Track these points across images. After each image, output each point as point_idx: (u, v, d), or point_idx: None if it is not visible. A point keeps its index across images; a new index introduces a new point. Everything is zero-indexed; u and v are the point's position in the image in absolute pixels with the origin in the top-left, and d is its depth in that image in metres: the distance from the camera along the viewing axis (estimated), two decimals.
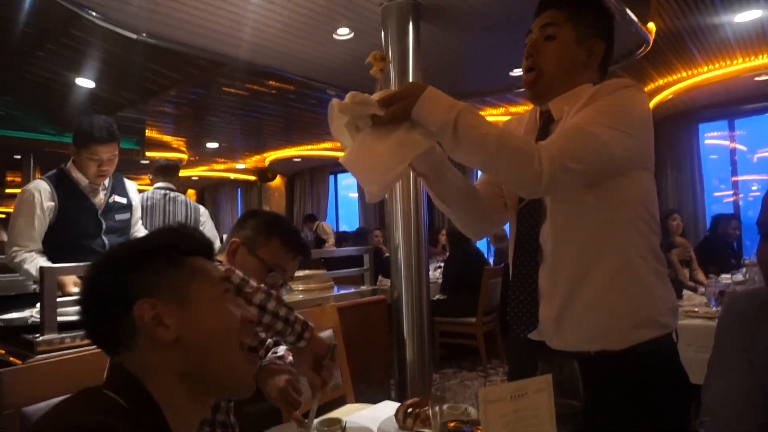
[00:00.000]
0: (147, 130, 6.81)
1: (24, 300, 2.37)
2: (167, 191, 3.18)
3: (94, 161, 2.30)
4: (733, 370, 0.89)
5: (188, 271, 0.76)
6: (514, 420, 0.76)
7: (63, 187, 2.32)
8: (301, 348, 1.22)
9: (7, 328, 1.93)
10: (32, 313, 2.00)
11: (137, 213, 2.63)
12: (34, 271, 2.16)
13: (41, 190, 2.27)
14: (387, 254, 3.42)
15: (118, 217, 2.47)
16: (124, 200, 2.51)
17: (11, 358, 1.76)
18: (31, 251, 2.25)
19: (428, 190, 1.21)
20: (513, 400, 0.76)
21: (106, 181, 2.44)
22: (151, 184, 3.30)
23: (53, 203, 2.28)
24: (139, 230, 2.64)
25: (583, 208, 1.09)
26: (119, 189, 2.51)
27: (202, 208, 3.31)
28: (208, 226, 3.27)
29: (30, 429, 0.97)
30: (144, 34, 3.45)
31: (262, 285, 1.20)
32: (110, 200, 2.44)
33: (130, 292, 0.72)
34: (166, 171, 3.35)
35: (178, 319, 0.72)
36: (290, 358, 1.36)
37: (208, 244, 0.83)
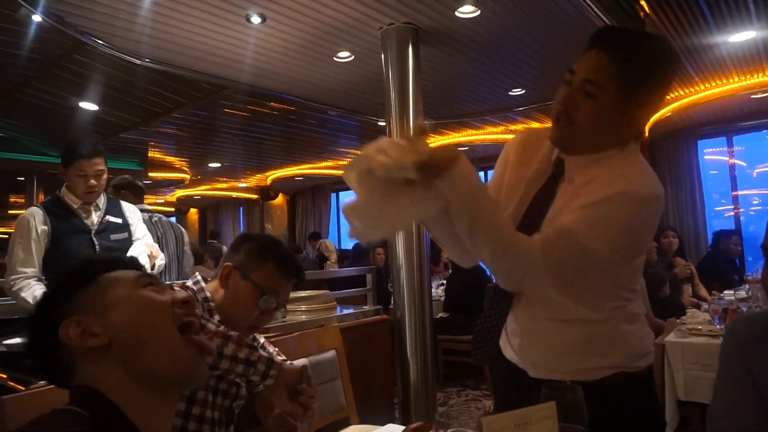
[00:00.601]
0: (150, 151, 6.87)
1: (26, 323, 2.36)
2: (150, 213, 3.22)
3: (80, 177, 2.34)
4: (738, 394, 0.90)
5: (104, 283, 0.79)
6: None
7: (55, 210, 2.37)
8: (270, 385, 1.20)
9: (10, 353, 1.93)
10: None
11: (139, 231, 2.61)
12: (30, 299, 2.17)
13: (35, 215, 2.32)
14: (391, 287, 3.38)
15: (114, 237, 2.47)
16: (119, 220, 2.51)
17: (14, 384, 1.75)
18: (30, 278, 2.27)
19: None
20: (517, 428, 0.76)
21: (100, 203, 2.46)
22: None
23: (46, 227, 2.32)
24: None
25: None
26: (114, 210, 2.52)
27: (182, 228, 3.45)
28: (187, 247, 3.42)
29: None
30: (147, 60, 3.51)
31: (222, 328, 1.17)
32: (104, 220, 2.45)
33: (56, 322, 0.75)
34: (139, 192, 3.33)
35: (104, 324, 0.74)
36: None
37: (128, 259, 0.87)
